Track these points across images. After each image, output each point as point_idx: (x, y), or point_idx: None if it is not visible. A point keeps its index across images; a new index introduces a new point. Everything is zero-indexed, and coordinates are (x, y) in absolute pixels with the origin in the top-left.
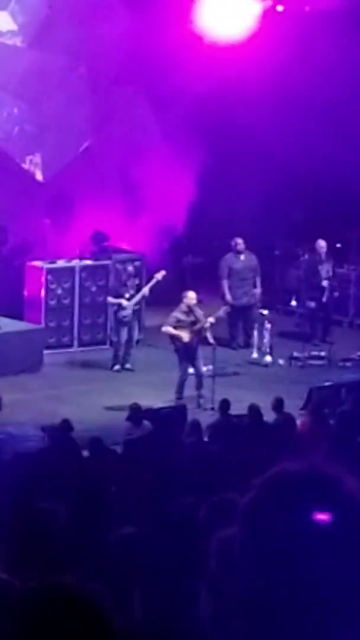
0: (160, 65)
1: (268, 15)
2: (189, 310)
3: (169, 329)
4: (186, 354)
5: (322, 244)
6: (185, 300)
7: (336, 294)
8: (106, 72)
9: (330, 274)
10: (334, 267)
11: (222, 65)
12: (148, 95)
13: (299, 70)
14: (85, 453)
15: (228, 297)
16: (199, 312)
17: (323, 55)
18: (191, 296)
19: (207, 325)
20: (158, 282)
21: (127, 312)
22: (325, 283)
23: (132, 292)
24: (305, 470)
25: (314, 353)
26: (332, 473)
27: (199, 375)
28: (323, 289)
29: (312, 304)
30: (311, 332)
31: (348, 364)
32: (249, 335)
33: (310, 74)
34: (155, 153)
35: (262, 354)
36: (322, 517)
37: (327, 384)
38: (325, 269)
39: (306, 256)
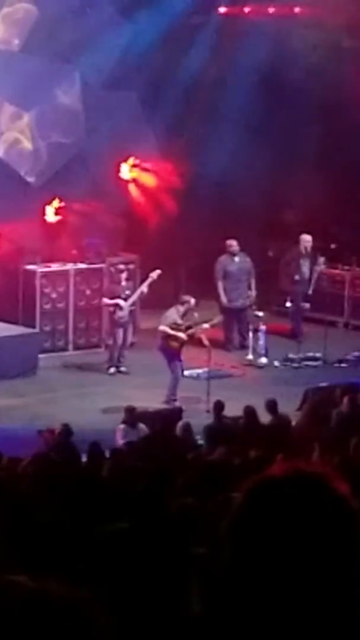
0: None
1: None
2: (184, 314)
3: (166, 329)
4: (176, 354)
5: (306, 238)
6: (183, 303)
7: (310, 290)
8: (98, 76)
9: (308, 271)
10: (315, 265)
11: None
12: (140, 98)
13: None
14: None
15: (223, 299)
16: (194, 317)
17: None
18: (188, 300)
19: (200, 331)
20: (153, 280)
21: (124, 313)
22: (296, 277)
23: (128, 293)
24: (290, 475)
25: (309, 354)
26: (317, 476)
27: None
28: (295, 282)
29: (288, 303)
30: (293, 331)
31: (343, 364)
32: (244, 337)
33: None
34: (148, 157)
35: (257, 355)
36: None
37: (322, 385)
38: (306, 265)
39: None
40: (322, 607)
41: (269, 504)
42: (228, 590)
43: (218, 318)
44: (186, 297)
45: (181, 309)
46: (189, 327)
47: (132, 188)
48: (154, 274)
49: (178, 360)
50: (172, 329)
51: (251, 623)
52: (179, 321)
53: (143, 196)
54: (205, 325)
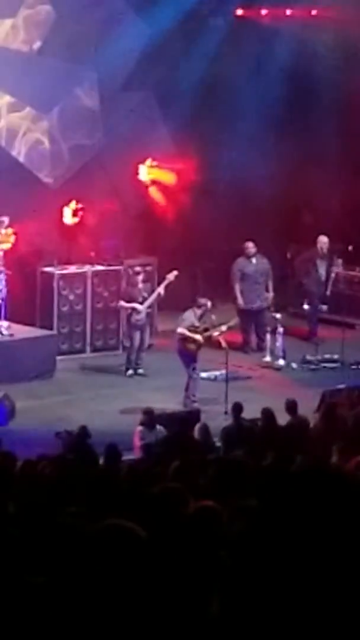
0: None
1: None
2: (201, 316)
3: (185, 331)
4: (193, 356)
5: (323, 239)
6: (200, 306)
7: (328, 292)
8: (115, 76)
9: (325, 272)
10: (332, 267)
11: None
12: (157, 98)
13: None
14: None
15: (240, 301)
16: (211, 320)
17: None
18: (204, 302)
19: (217, 334)
20: (170, 282)
21: (141, 316)
22: (304, 280)
23: (145, 295)
24: (309, 476)
25: (327, 356)
26: (336, 477)
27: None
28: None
29: (305, 305)
30: (310, 333)
31: None
32: (261, 339)
33: None
34: (165, 158)
35: (275, 357)
36: None
37: (340, 386)
38: (323, 266)
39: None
40: (340, 607)
41: (288, 505)
42: (247, 590)
43: (235, 320)
44: (202, 300)
45: (198, 311)
46: (206, 330)
47: (150, 190)
48: (171, 276)
49: (194, 362)
50: (190, 331)
51: (268, 622)
52: (197, 323)
53: (160, 198)
54: (223, 328)
